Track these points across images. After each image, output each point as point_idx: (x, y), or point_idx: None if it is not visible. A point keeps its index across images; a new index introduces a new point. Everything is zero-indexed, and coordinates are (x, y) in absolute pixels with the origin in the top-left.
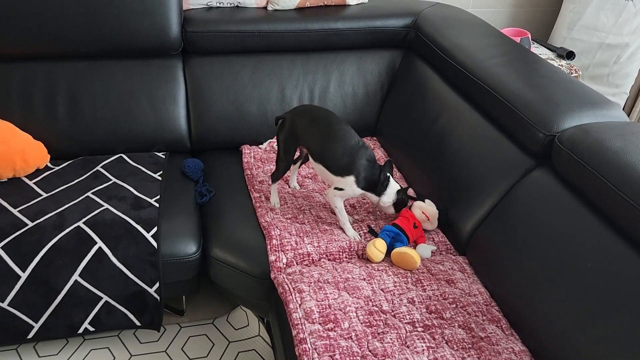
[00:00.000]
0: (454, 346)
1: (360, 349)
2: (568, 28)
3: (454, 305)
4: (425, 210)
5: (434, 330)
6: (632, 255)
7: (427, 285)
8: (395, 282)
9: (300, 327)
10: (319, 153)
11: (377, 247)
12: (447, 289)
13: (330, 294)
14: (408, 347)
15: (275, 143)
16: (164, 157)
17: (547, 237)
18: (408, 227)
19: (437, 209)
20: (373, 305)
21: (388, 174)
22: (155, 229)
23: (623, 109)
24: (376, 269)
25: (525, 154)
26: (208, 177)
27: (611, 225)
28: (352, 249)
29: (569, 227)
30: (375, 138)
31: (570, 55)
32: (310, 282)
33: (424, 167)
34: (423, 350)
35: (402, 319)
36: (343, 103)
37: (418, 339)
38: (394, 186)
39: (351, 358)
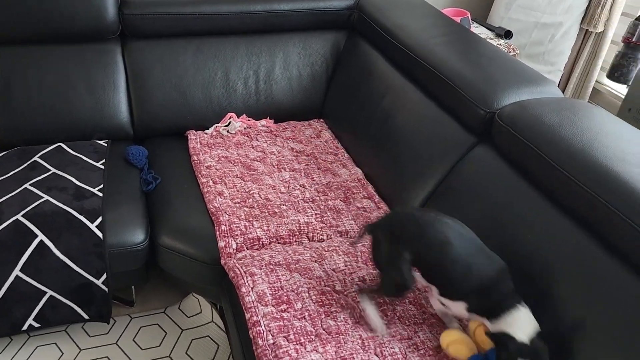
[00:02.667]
0: (406, 321)
1: (314, 328)
2: (505, 8)
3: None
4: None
5: (385, 307)
6: (567, 222)
7: None
8: (345, 261)
9: (254, 310)
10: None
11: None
12: None
13: (282, 276)
14: (362, 325)
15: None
16: (105, 145)
17: (490, 210)
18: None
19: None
20: (325, 285)
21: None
22: (99, 219)
23: (558, 86)
24: (326, 249)
25: (467, 131)
26: (153, 164)
27: (549, 196)
28: (302, 232)
29: (510, 200)
30: (322, 120)
31: (508, 34)
32: (262, 266)
33: (371, 147)
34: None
35: (355, 299)
36: (289, 85)
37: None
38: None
39: (305, 337)
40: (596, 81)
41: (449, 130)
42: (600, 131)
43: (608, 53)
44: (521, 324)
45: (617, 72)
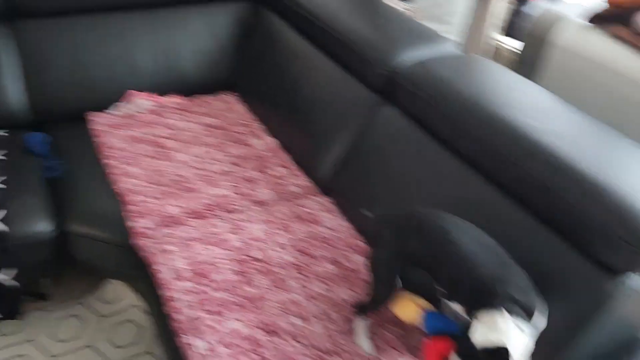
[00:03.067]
0: (326, 281)
1: (234, 297)
2: None
3: (323, 244)
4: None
5: (304, 269)
6: (468, 170)
7: (295, 229)
8: (264, 229)
9: (169, 286)
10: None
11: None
12: (313, 229)
13: (199, 250)
14: (282, 288)
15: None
16: (6, 134)
17: (399, 167)
18: None
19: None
20: (244, 255)
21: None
22: (4, 213)
23: (455, 44)
24: (244, 220)
25: (373, 92)
26: (60, 150)
27: (450, 148)
28: (218, 205)
29: (416, 156)
30: (234, 92)
31: None
32: (177, 242)
33: (283, 116)
34: (297, 288)
35: (274, 264)
36: (195, 59)
37: (291, 279)
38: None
39: (225, 307)
40: (492, 38)
41: (355, 93)
42: (492, 83)
43: (502, 10)
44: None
45: (510, 28)
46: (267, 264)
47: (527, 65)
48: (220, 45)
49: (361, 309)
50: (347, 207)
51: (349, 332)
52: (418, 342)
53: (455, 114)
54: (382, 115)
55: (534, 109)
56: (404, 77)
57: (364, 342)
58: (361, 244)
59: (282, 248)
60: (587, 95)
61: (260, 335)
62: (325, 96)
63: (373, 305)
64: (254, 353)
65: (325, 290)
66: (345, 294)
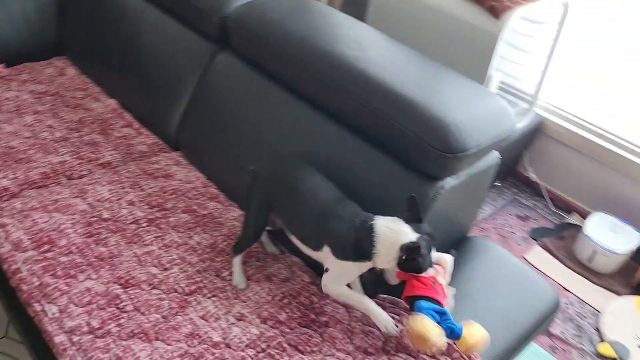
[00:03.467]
0: (180, 229)
1: (84, 259)
2: None
3: (174, 195)
4: (437, 259)
5: (158, 221)
6: (306, 107)
7: (145, 185)
8: (110, 190)
9: (11, 259)
10: (290, 223)
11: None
12: (165, 184)
13: (39, 218)
14: (136, 243)
15: None
16: None
17: (242, 113)
18: (434, 291)
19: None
20: (91, 217)
21: (372, 222)
22: None
23: None
24: (88, 183)
25: (208, 41)
26: None
27: (288, 87)
28: (57, 172)
29: (257, 99)
30: (65, 57)
31: None
32: (13, 215)
33: (120, 76)
34: (152, 241)
35: (125, 221)
36: (12, 23)
37: (144, 233)
38: (392, 238)
39: (76, 269)
40: None
41: (190, 44)
42: (321, 22)
43: None
44: (396, 232)
45: None
46: (118, 222)
47: (353, 6)
48: (39, 6)
49: (236, 248)
50: (197, 159)
51: (207, 270)
52: (276, 271)
53: (288, 52)
54: (220, 64)
55: (360, 43)
56: (236, 21)
57: (239, 279)
58: (214, 190)
59: (133, 205)
60: (408, 30)
61: (116, 290)
62: (162, 51)
63: (243, 243)
64: (110, 306)
65: (181, 238)
66: (202, 238)
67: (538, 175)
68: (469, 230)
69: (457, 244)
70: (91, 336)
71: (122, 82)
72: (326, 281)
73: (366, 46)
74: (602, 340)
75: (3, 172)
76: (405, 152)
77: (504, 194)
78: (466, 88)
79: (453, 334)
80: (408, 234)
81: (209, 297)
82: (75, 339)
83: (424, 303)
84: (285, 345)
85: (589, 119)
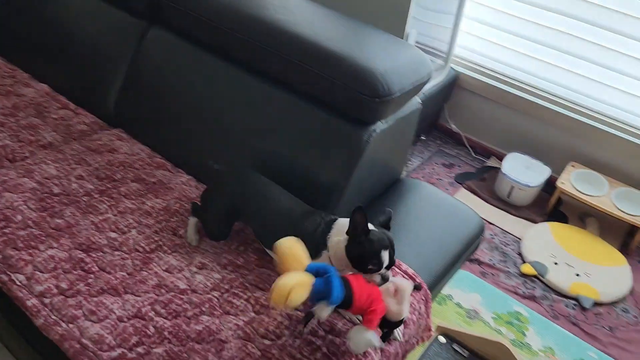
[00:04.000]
0: (132, 197)
1: (42, 231)
2: None
3: (122, 167)
4: (394, 281)
5: (110, 191)
6: (242, 74)
7: (91, 160)
8: (57, 167)
9: None
10: (264, 239)
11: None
12: (111, 157)
13: None
14: (91, 212)
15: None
16: None
17: (179, 85)
18: (359, 284)
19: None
20: (43, 193)
21: (336, 217)
22: None
23: None
24: (33, 164)
25: (137, 17)
26: None
27: (221, 55)
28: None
29: (192, 70)
30: None
31: None
32: None
33: (49, 60)
34: (106, 209)
35: (77, 194)
36: None
37: (98, 203)
38: (345, 225)
39: (36, 241)
40: None
41: (118, 22)
42: None
43: None
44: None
45: None
46: (70, 195)
47: None
48: None
49: (193, 210)
50: (140, 134)
51: (164, 230)
52: None
53: (220, 21)
54: (151, 39)
55: (287, 8)
56: None
57: (192, 237)
58: (160, 160)
59: (82, 179)
60: None
61: (80, 255)
62: (90, 32)
63: (209, 236)
64: (76, 269)
65: (134, 204)
66: (154, 202)
67: (458, 126)
68: (400, 174)
69: (392, 185)
70: (62, 297)
71: (51, 66)
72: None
73: (293, 10)
74: (524, 262)
75: None
76: (338, 102)
77: (430, 146)
78: (386, 41)
79: (319, 293)
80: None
81: (169, 253)
82: (47, 300)
83: (312, 264)
84: (247, 284)
85: (499, 69)
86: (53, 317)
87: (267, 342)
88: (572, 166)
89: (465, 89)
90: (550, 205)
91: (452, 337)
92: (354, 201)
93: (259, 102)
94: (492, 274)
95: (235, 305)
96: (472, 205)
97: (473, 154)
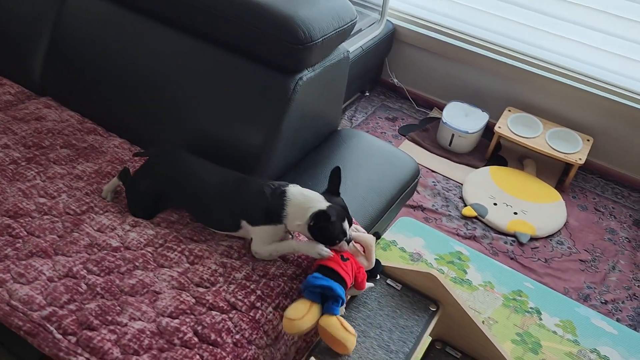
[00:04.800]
0: (62, 162)
1: None
2: None
3: (50, 134)
4: (357, 239)
5: (38, 159)
6: (166, 31)
7: (17, 129)
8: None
9: None
10: (201, 217)
11: (292, 316)
12: (38, 125)
13: None
14: (18, 180)
15: None
16: None
17: (104, 47)
18: (338, 264)
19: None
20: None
21: (285, 188)
22: None
23: None
24: None
25: None
26: None
27: (144, 14)
28: None
29: (115, 31)
30: None
31: None
32: None
33: None
34: (34, 176)
35: (3, 163)
36: None
37: (25, 170)
38: (301, 202)
39: None
40: None
41: None
42: None
43: None
44: (307, 198)
45: None
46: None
47: None
48: None
49: (121, 175)
50: (68, 100)
51: (95, 192)
52: None
53: None
54: (71, 3)
55: None
56: None
57: (107, 193)
58: (90, 125)
59: (8, 148)
60: None
61: (6, 221)
62: (6, 2)
63: (131, 214)
64: (3, 235)
65: (64, 169)
66: (85, 166)
67: (400, 80)
68: (337, 125)
69: (329, 136)
70: None
71: None
72: (254, 249)
73: None
74: (465, 205)
75: None
76: (262, 52)
77: (373, 101)
78: None
79: (329, 310)
80: (319, 201)
81: (101, 214)
82: None
83: (310, 278)
84: (181, 237)
85: (435, 20)
86: None
87: (201, 289)
88: (509, 111)
89: (404, 42)
90: (490, 151)
91: (388, 274)
92: (290, 155)
93: (185, 58)
94: (435, 219)
95: (170, 258)
96: (414, 155)
97: (416, 106)
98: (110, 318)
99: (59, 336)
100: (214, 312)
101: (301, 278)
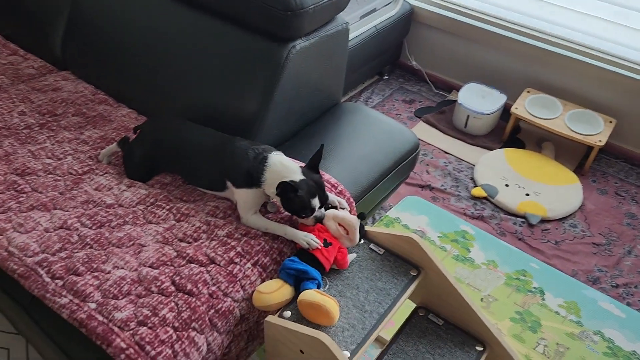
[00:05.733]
0: (71, 128)
1: None
2: None
3: (64, 103)
4: (342, 221)
5: (50, 124)
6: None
7: (35, 98)
8: (0, 105)
9: None
10: (190, 177)
11: (262, 290)
12: (54, 95)
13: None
14: (29, 143)
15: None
16: None
17: (116, 20)
18: (319, 249)
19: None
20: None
21: (267, 154)
22: None
23: None
24: None
25: None
26: None
27: None
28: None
29: (126, 4)
30: None
31: None
32: None
33: None
34: (44, 140)
35: (18, 128)
36: None
37: (37, 134)
38: (279, 170)
39: None
40: None
41: None
42: None
43: None
44: (285, 168)
45: None
46: (11, 129)
47: None
48: None
49: (120, 142)
50: (85, 74)
51: (96, 157)
52: None
53: None
54: None
55: None
56: None
57: (103, 156)
58: (102, 96)
59: (24, 115)
60: None
61: (14, 178)
62: None
63: (127, 176)
64: (9, 190)
65: (72, 134)
66: (92, 132)
67: (419, 62)
68: (339, 99)
69: (329, 109)
70: None
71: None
72: (240, 213)
73: None
74: (476, 185)
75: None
76: (254, 19)
77: (392, 84)
78: None
79: (305, 286)
80: (295, 173)
81: (101, 175)
82: None
83: (287, 261)
84: (171, 197)
85: (453, 0)
86: None
87: (183, 244)
88: (528, 92)
89: (422, 23)
90: (507, 133)
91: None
92: (285, 124)
93: (182, 29)
94: (443, 198)
95: (158, 215)
96: (428, 136)
97: (434, 89)
98: (95, 265)
99: (48, 279)
100: (192, 265)
101: (283, 240)
